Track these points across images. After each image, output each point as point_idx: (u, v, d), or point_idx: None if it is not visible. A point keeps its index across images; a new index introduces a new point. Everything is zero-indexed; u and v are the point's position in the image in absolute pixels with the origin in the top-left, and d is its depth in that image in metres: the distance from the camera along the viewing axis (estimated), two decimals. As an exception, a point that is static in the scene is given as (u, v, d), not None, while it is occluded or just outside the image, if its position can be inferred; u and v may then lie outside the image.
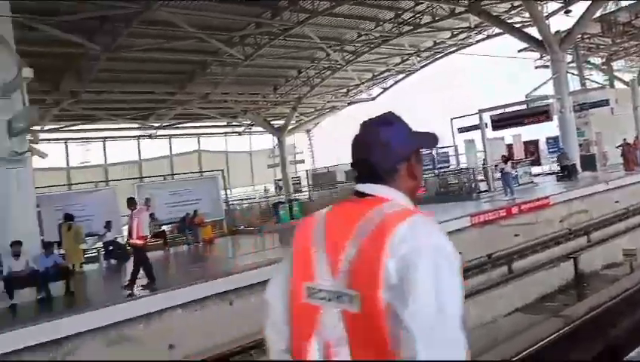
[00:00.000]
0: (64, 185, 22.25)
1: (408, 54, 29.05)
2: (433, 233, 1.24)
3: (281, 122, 33.80)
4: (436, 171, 22.12)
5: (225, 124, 33.64)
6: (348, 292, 1.24)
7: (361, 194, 1.40)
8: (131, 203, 10.24)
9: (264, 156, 36.63)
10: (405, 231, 1.21)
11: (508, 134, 24.51)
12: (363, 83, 31.74)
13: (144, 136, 31.21)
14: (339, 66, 27.09)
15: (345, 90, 32.57)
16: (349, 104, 35.13)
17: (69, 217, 12.93)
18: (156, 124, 29.79)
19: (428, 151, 28.08)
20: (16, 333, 7.21)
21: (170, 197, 17.41)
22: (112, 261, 14.59)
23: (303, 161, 36.90)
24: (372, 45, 25.24)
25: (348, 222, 1.31)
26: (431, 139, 1.53)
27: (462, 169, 22.70)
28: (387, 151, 1.39)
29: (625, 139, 23.41)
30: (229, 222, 19.11)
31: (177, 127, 31.72)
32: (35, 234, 10.28)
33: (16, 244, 9.40)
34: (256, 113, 31.38)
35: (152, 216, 16.55)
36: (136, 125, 29.33)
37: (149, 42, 18.95)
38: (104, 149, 29.93)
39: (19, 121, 9.19)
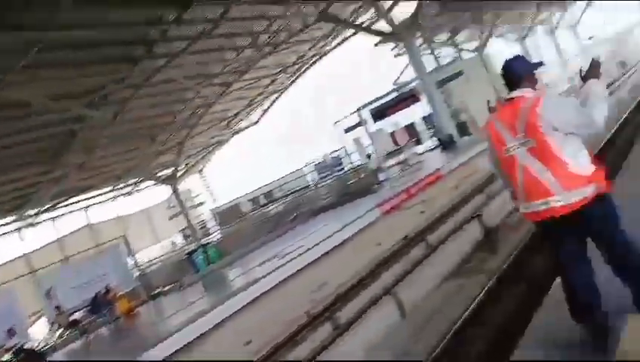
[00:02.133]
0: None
1: (276, 74, 29.60)
2: (554, 94, 3.54)
3: (170, 170, 32.78)
4: (335, 175, 22.70)
5: (111, 188, 31.90)
6: (527, 139, 2.85)
7: (512, 98, 3.01)
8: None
9: (162, 209, 35.27)
10: (544, 101, 2.82)
11: (389, 123, 25.84)
12: (241, 111, 31.80)
13: (24, 226, 28.65)
14: (212, 101, 26.91)
15: (225, 122, 32.39)
16: (233, 135, 34.98)
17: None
18: (34, 211, 27.49)
19: (321, 160, 28.75)
20: None
21: (75, 280, 16.18)
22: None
23: (202, 203, 36.08)
24: (239, 73, 25.39)
25: (514, 109, 2.93)
26: (538, 64, 3.20)
27: (357, 167, 23.54)
28: (519, 73, 3.04)
29: (488, 101, 25.63)
30: (146, 287, 18.15)
31: (59, 207, 29.49)
32: None
33: None
34: (142, 168, 30.14)
35: (57, 308, 15.28)
36: (11, 218, 26.84)
37: (3, 127, 17.52)
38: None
39: None
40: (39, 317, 17.38)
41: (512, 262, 8.79)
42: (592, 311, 3.02)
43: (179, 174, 33.22)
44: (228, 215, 33.26)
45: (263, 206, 31.77)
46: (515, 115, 2.90)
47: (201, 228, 32.90)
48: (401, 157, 21.42)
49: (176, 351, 9.09)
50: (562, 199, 2.84)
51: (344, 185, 20.88)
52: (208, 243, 22.27)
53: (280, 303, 10.53)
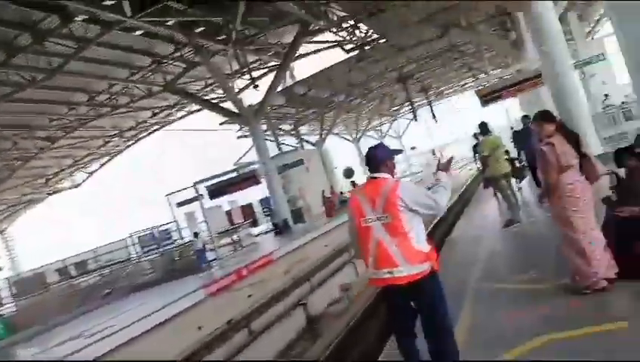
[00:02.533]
0: None
1: (111, 136, 27.96)
2: (410, 183, 3.65)
3: (-37, 227, 28.05)
4: (161, 250, 21.37)
5: None
6: (385, 215, 3.32)
7: (375, 178, 3.50)
8: None
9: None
10: (402, 185, 3.40)
11: (224, 201, 25.58)
12: (64, 170, 29.01)
13: None
14: (31, 155, 24.19)
15: (43, 179, 29.15)
16: (49, 195, 31.51)
17: None
18: None
19: (148, 232, 27.13)
20: None
21: None
22: None
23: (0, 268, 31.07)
24: (68, 129, 23.40)
25: (376, 188, 3.41)
26: (398, 151, 3.94)
27: (186, 243, 22.53)
28: (381, 158, 3.52)
29: (323, 191, 27.12)
30: None
31: None
32: None
33: None
34: None
35: None
36: None
37: None
38: None
39: None
40: None
41: (333, 350, 8.83)
42: None
43: (-26, 232, 28.56)
44: (28, 284, 28.91)
45: (73, 277, 28.27)
46: (376, 193, 3.43)
47: (-8, 297, 28.04)
48: (235, 237, 21.12)
49: None
50: (405, 271, 3.37)
51: (170, 262, 19.72)
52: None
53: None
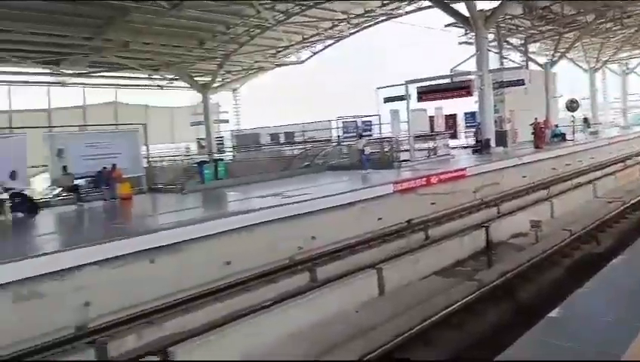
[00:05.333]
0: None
1: (339, 20, 28.86)
2: None
3: (207, 79, 32.67)
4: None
5: (146, 76, 31.89)
6: None
7: None
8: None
9: (187, 113, 35.36)
10: None
11: (430, 106, 25.28)
12: (292, 45, 31.23)
13: (55, 83, 29.01)
14: (269, 25, 26.40)
15: (273, 51, 31.90)
16: (276, 66, 34.56)
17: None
18: (69, 71, 27.69)
19: (352, 120, 28.43)
20: None
21: (87, 150, 16.33)
22: (20, 213, 13.52)
23: (227, 121, 36.11)
24: (304, 7, 24.78)
25: None
26: None
27: (384, 138, 23.18)
28: None
29: (536, 119, 25.02)
30: (149, 179, 18.33)
31: (92, 76, 29.65)
32: None
33: None
34: (180, 67, 30.01)
35: (64, 168, 15.53)
36: (46, 70, 27.09)
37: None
38: (9, 95, 27.55)
39: None
40: (42, 172, 17.81)
41: (501, 282, 8.70)
42: None
43: (214, 85, 33.19)
44: (245, 140, 33.37)
45: (281, 144, 31.74)
46: None
47: (218, 143, 33.06)
48: (432, 144, 21.04)
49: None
50: None
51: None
52: (221, 159, 22.34)
53: (268, 237, 10.54)
